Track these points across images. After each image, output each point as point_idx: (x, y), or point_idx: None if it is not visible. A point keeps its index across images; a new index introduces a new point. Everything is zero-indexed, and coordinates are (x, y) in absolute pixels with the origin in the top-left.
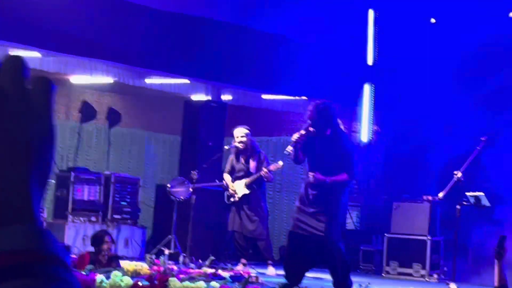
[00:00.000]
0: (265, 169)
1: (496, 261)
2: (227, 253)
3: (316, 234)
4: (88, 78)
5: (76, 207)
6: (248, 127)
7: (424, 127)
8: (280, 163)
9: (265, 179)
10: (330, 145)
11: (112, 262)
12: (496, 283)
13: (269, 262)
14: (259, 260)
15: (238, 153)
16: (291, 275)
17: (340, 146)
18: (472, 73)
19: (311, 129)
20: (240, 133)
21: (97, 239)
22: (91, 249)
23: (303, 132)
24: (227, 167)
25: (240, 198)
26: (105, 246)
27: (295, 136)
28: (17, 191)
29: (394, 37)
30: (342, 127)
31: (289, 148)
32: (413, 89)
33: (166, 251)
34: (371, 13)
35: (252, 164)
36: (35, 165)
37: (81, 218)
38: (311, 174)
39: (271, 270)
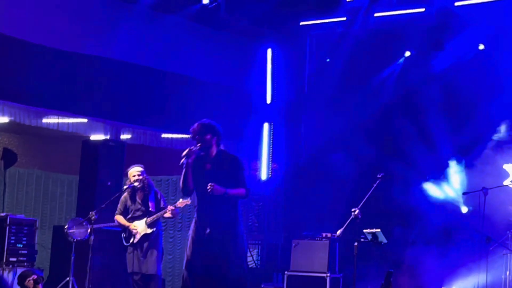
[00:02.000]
0: (171, 207)
1: None
2: None
3: (214, 271)
4: None
5: None
6: (142, 166)
7: (322, 163)
8: (189, 199)
9: (171, 216)
10: (220, 164)
11: None
12: None
13: None
14: None
15: (134, 192)
16: None
17: (229, 163)
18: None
19: (198, 145)
20: (135, 171)
21: (21, 279)
22: None
23: (192, 147)
24: (119, 208)
25: (140, 238)
26: (28, 283)
27: (185, 152)
28: None
29: (292, 75)
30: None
31: (182, 161)
32: (312, 126)
33: None
34: (269, 53)
35: (151, 203)
36: None
37: None
38: (209, 185)
39: None
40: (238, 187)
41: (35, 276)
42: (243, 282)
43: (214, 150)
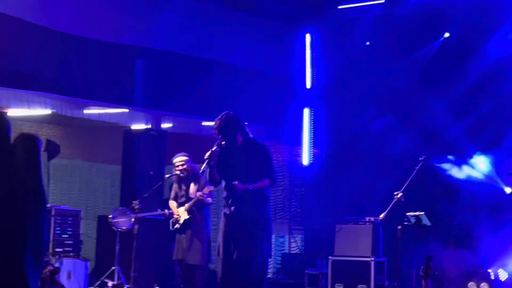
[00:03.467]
0: (199, 192)
1: (423, 280)
2: (172, 282)
3: (242, 256)
4: (26, 110)
5: None
6: (187, 154)
7: (363, 147)
8: (212, 187)
9: (205, 203)
10: (245, 154)
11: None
12: None
13: None
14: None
15: (180, 180)
16: None
17: (255, 152)
18: (407, 96)
19: (222, 143)
20: (180, 161)
21: None
22: None
23: (214, 148)
24: (172, 194)
25: (182, 224)
26: (44, 275)
27: (207, 154)
28: (13, 277)
29: (331, 60)
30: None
31: (203, 166)
32: (351, 111)
33: (110, 283)
34: (308, 38)
35: (193, 189)
36: (29, 245)
37: None
38: (234, 184)
39: None
40: (263, 177)
41: (51, 268)
42: (264, 265)
43: (239, 141)
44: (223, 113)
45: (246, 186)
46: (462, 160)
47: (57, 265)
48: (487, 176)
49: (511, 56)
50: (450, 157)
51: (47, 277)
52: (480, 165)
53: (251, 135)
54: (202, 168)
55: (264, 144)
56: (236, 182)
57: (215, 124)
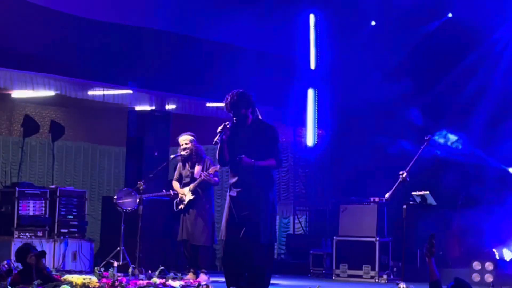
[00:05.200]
0: (204, 173)
1: (427, 258)
2: (177, 263)
3: (247, 239)
4: (30, 92)
5: (21, 222)
6: (193, 134)
7: (369, 129)
8: (218, 166)
9: (211, 183)
10: (254, 133)
11: (42, 274)
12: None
13: (203, 270)
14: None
15: (185, 160)
16: (229, 279)
17: (264, 132)
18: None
19: (234, 119)
20: (184, 140)
21: (21, 254)
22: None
23: (227, 123)
24: (176, 174)
25: (186, 204)
26: (30, 260)
27: (220, 128)
28: None
29: (335, 40)
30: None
31: (216, 138)
32: (356, 91)
33: (115, 263)
34: (312, 18)
35: (197, 169)
36: None
37: (27, 234)
38: (239, 157)
39: (202, 278)
40: (269, 157)
41: (36, 252)
42: (270, 248)
43: (249, 120)
44: (235, 90)
45: (252, 162)
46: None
47: (62, 245)
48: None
49: None
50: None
51: (34, 262)
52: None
53: (260, 117)
54: (216, 139)
55: (274, 125)
56: (243, 156)
57: (226, 99)
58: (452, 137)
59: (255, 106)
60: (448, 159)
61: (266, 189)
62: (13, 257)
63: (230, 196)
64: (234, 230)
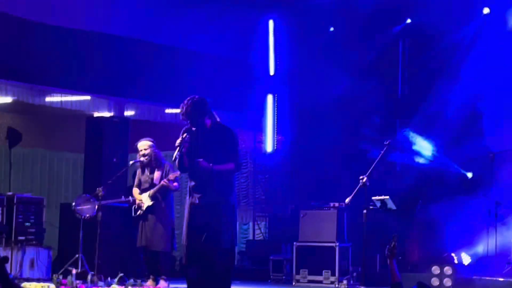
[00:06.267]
0: (165, 179)
1: (388, 260)
2: (136, 269)
3: (208, 244)
4: None
5: None
6: (151, 139)
7: (328, 133)
8: (178, 172)
9: (171, 189)
10: (213, 138)
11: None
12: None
13: (163, 277)
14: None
15: (144, 166)
16: (191, 285)
17: (223, 136)
18: (374, 79)
19: (192, 129)
20: (143, 146)
21: None
22: None
23: (184, 135)
24: (135, 181)
25: (145, 210)
26: None
27: (178, 141)
28: None
29: (294, 46)
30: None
31: (175, 154)
32: (315, 97)
33: (74, 271)
34: (271, 24)
35: (157, 175)
36: None
37: None
38: (199, 161)
39: (162, 284)
40: (228, 161)
41: None
42: (231, 253)
43: (207, 125)
44: (188, 98)
45: (210, 166)
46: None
47: (19, 253)
48: (433, 161)
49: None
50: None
51: None
52: (424, 150)
53: (218, 119)
54: (174, 155)
55: (232, 129)
56: (200, 160)
57: (181, 109)
58: (424, 144)
59: (211, 111)
60: (408, 162)
61: (226, 194)
62: None
63: (191, 201)
64: (195, 235)
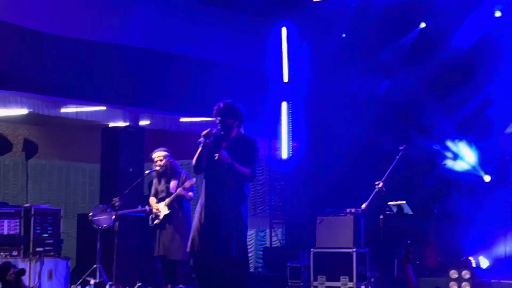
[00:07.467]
0: (180, 188)
1: (404, 265)
2: (154, 279)
3: (221, 253)
4: (2, 110)
5: None
6: (166, 149)
7: (343, 139)
8: (194, 179)
9: (186, 199)
10: (235, 147)
11: None
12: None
13: (181, 285)
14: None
15: (160, 175)
16: None
17: (244, 146)
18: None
19: (221, 133)
20: (158, 157)
21: (0, 272)
22: None
23: (213, 129)
24: (152, 190)
25: (162, 219)
26: (9, 278)
27: (205, 132)
28: None
29: (308, 53)
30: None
31: (200, 139)
32: (330, 103)
33: (92, 281)
34: (284, 32)
35: (173, 184)
36: None
37: (2, 253)
38: (216, 155)
39: None
40: (245, 167)
41: (15, 269)
42: (242, 263)
43: (234, 133)
44: (227, 100)
45: (230, 160)
46: (445, 148)
47: (37, 264)
48: (473, 167)
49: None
50: (436, 146)
51: (13, 280)
52: (467, 157)
53: (243, 132)
54: (199, 140)
55: (255, 140)
56: (222, 150)
57: (216, 107)
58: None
59: (243, 121)
60: (425, 167)
61: (238, 203)
62: None
63: (201, 207)
64: (205, 243)
